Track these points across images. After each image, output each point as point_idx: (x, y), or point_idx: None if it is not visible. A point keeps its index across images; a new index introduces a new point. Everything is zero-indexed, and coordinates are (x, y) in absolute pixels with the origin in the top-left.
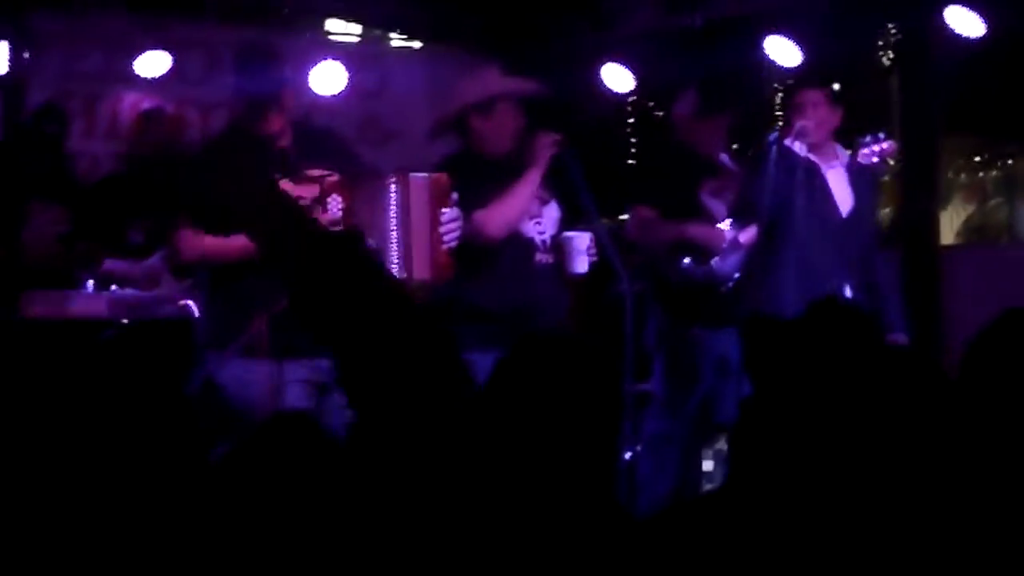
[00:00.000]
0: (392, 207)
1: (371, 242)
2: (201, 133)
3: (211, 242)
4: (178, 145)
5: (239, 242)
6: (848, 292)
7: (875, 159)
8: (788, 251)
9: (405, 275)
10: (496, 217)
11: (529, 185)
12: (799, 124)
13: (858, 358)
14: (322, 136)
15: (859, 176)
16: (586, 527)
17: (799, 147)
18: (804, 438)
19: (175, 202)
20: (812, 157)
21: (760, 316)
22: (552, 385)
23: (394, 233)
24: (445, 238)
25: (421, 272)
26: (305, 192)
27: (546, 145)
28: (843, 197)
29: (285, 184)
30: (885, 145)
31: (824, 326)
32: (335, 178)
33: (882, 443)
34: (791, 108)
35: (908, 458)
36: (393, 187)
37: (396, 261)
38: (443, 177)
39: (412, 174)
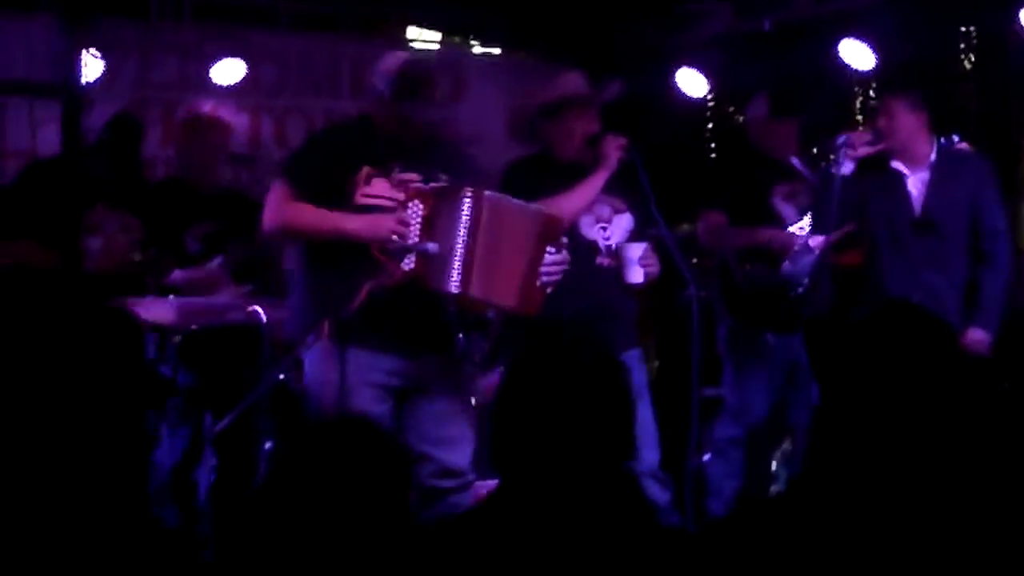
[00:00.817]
0: (463, 219)
1: (432, 246)
2: (253, 139)
3: (313, 212)
4: (224, 150)
5: (339, 220)
6: (924, 293)
7: (851, 166)
8: (877, 254)
9: (460, 289)
10: (555, 209)
11: (593, 186)
12: (842, 137)
13: (919, 363)
14: (442, 144)
15: (947, 174)
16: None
17: (845, 161)
18: (869, 441)
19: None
20: (896, 164)
21: (822, 320)
22: (554, 398)
23: (459, 246)
24: (544, 277)
25: (482, 290)
26: (396, 195)
27: (614, 148)
28: (919, 198)
29: (379, 182)
30: (853, 138)
31: (886, 331)
32: (419, 185)
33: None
34: (876, 112)
35: (971, 461)
36: (467, 201)
37: (455, 272)
38: (555, 219)
39: (488, 192)
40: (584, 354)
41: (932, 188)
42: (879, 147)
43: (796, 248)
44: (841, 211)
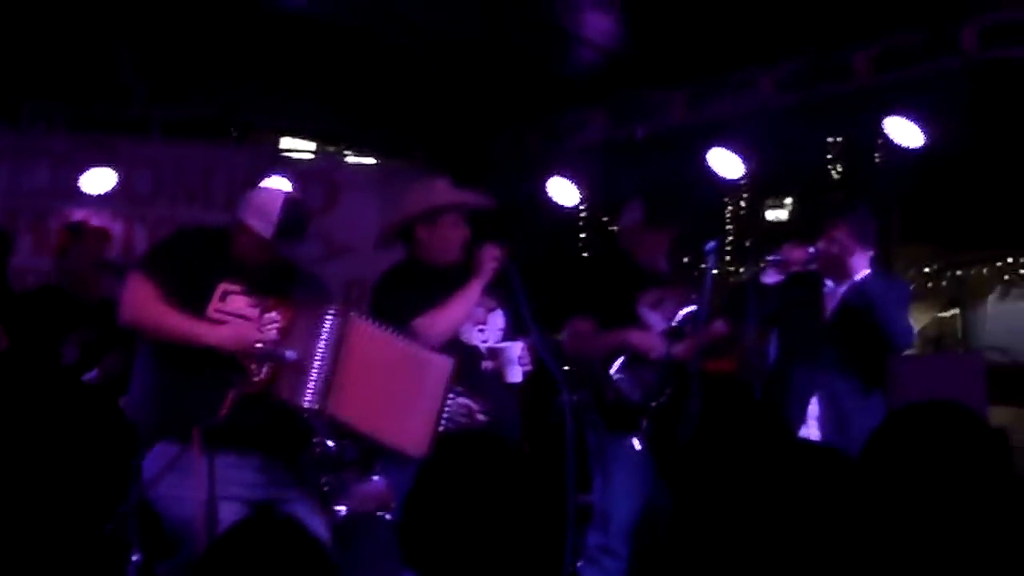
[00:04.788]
0: (323, 337)
1: (291, 353)
2: (126, 247)
3: (177, 317)
4: (102, 259)
5: (204, 330)
6: (825, 394)
7: (778, 277)
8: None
9: (318, 406)
10: (437, 324)
11: (470, 295)
12: (774, 258)
13: (758, 454)
14: (286, 265)
15: (863, 291)
16: None
17: (772, 276)
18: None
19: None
20: (826, 279)
21: (660, 427)
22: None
23: (317, 362)
24: (443, 420)
25: (341, 409)
26: (250, 313)
27: (490, 257)
28: (834, 308)
29: (235, 299)
30: (787, 257)
31: (722, 430)
32: (275, 300)
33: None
34: (818, 233)
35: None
36: (329, 319)
37: (311, 387)
38: (451, 365)
39: (355, 316)
40: (504, 453)
41: (847, 300)
42: (812, 267)
43: (658, 354)
44: (759, 317)
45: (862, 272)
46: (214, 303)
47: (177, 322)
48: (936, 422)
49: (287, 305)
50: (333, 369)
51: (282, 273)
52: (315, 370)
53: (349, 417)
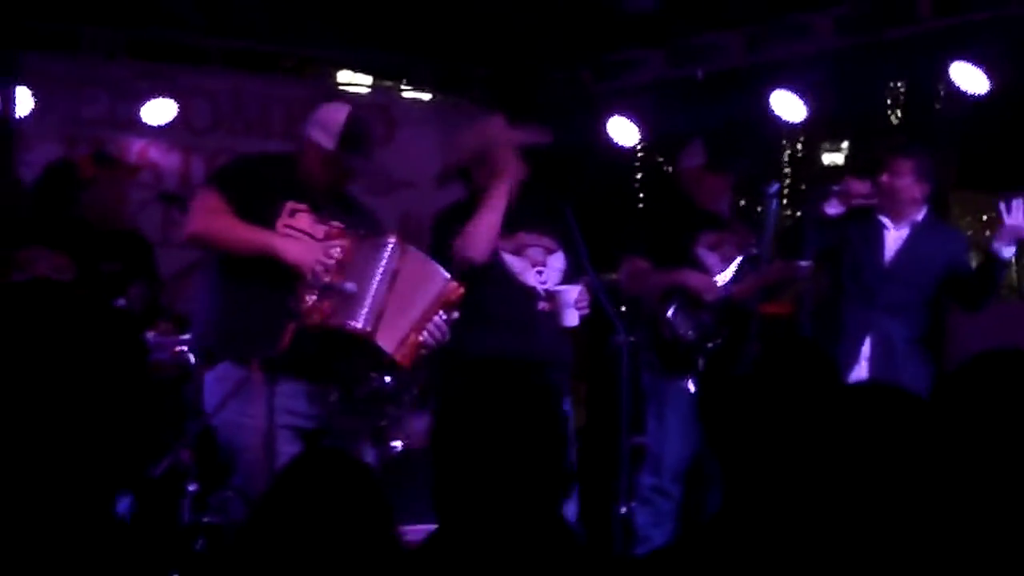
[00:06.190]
0: (382, 264)
1: (350, 285)
2: (183, 178)
3: (244, 226)
4: (123, 200)
5: (272, 238)
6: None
7: (839, 208)
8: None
9: (370, 329)
10: (471, 239)
11: (496, 202)
12: (838, 187)
13: (812, 400)
14: (347, 197)
15: (925, 239)
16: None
17: (833, 202)
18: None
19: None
20: (881, 217)
21: (714, 368)
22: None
23: (373, 288)
24: (424, 334)
25: (385, 339)
26: (316, 232)
27: (509, 158)
28: (893, 252)
29: (302, 216)
30: (850, 188)
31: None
32: (340, 226)
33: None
34: (881, 167)
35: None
36: (389, 247)
37: (365, 313)
38: (460, 292)
39: (425, 257)
40: (519, 390)
41: (908, 245)
42: (873, 201)
43: (716, 296)
44: (817, 250)
45: (920, 212)
46: (283, 218)
47: (244, 231)
48: (1017, 368)
49: (347, 235)
50: (386, 296)
51: (343, 203)
52: (371, 296)
53: (380, 338)
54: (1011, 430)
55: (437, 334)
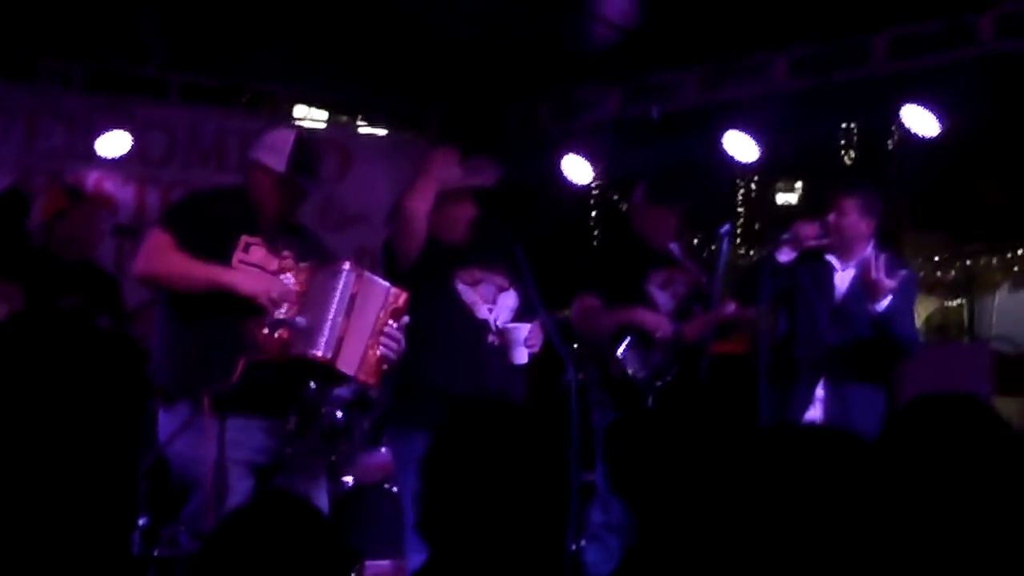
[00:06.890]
0: (338, 290)
1: (301, 320)
2: (138, 210)
3: (196, 262)
4: (92, 233)
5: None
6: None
7: (792, 254)
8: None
9: (331, 356)
10: (414, 192)
11: (425, 183)
12: (787, 235)
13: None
14: (299, 228)
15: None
16: None
17: (785, 249)
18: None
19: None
20: (829, 257)
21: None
22: (495, 452)
23: (331, 314)
24: (382, 347)
25: (345, 364)
26: (269, 264)
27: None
28: (842, 291)
29: (256, 250)
30: (799, 233)
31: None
32: (292, 259)
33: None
34: (829, 207)
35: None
36: (344, 273)
37: (325, 341)
38: (405, 297)
39: (369, 274)
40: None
41: (855, 283)
42: (824, 242)
43: (666, 334)
44: (771, 296)
45: (867, 249)
46: (238, 253)
47: (196, 268)
48: (954, 414)
49: (299, 266)
50: (345, 323)
51: (296, 234)
52: (329, 322)
53: (344, 366)
54: (939, 471)
55: (393, 344)
